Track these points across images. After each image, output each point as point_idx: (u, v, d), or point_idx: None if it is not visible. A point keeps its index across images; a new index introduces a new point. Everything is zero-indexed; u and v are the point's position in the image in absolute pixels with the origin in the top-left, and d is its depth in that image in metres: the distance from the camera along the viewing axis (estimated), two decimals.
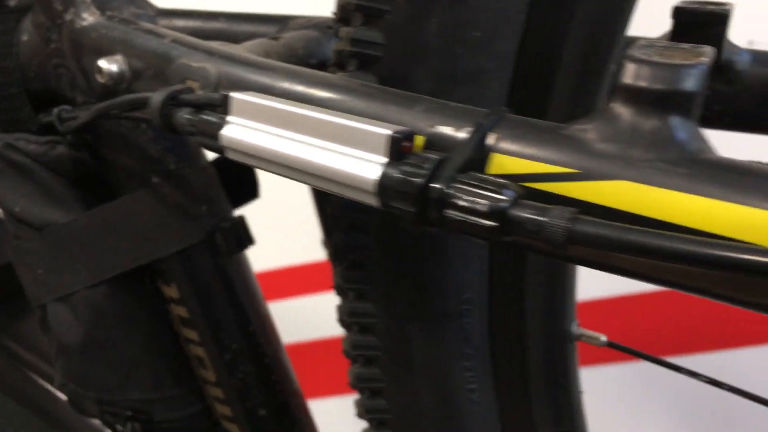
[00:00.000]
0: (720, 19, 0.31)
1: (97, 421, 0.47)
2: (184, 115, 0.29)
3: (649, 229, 0.19)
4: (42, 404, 0.51)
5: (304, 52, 0.37)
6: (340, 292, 0.35)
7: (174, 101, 0.30)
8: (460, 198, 0.21)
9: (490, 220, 0.20)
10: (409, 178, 0.21)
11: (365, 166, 0.23)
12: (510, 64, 0.28)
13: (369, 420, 0.37)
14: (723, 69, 0.33)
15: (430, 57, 0.27)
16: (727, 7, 0.31)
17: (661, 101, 0.20)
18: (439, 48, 0.27)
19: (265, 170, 0.27)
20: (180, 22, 0.41)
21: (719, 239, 0.18)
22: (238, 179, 0.46)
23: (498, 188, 0.21)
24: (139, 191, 0.41)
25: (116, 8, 0.39)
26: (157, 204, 0.41)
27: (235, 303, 0.44)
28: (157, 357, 0.44)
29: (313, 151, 0.24)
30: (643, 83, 0.20)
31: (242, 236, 0.43)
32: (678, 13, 0.32)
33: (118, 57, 0.35)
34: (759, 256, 0.17)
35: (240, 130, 0.26)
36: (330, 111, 0.25)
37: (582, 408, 0.37)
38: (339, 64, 0.29)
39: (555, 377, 0.35)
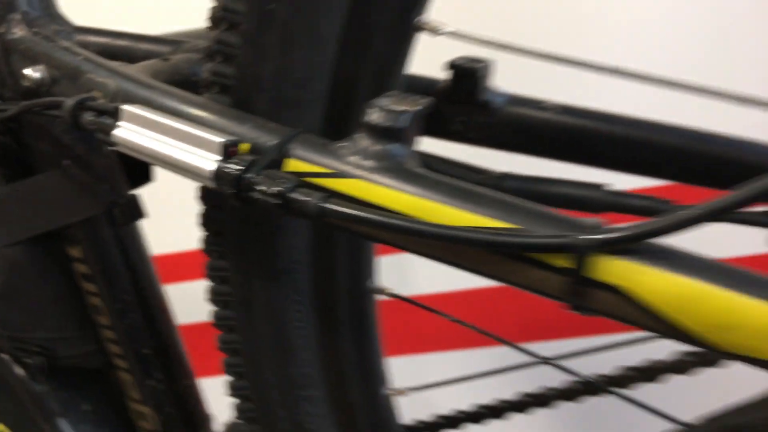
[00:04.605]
0: (479, 72, 0.45)
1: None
2: (88, 117, 0.41)
3: (366, 208, 0.32)
4: None
5: (188, 71, 0.49)
6: (206, 253, 0.47)
7: (82, 105, 0.42)
8: (260, 185, 0.34)
9: (277, 200, 0.33)
10: (231, 171, 0.34)
11: (207, 162, 0.35)
12: (325, 97, 0.41)
13: (225, 351, 0.50)
14: (484, 106, 0.47)
15: (266, 89, 0.40)
16: (483, 64, 0.46)
17: (384, 133, 0.34)
18: (272, 83, 0.40)
19: (145, 161, 0.39)
20: (92, 38, 0.52)
21: (404, 216, 0.32)
22: (135, 166, 0.57)
23: (284, 180, 0.33)
24: (53, 171, 0.51)
25: (41, 25, 0.50)
26: (67, 182, 0.52)
27: (128, 264, 0.55)
28: (60, 305, 0.54)
29: (174, 150, 0.37)
30: (375, 121, 0.34)
31: (134, 211, 0.54)
32: (451, 66, 0.46)
33: (41, 67, 0.46)
34: (420, 225, 0.31)
35: (125, 132, 0.38)
36: (189, 122, 0.37)
37: (380, 350, 0.50)
38: (207, 86, 0.42)
39: (358, 321, 0.48)
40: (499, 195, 0.31)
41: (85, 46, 0.51)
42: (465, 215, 0.30)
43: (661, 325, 0.28)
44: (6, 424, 0.58)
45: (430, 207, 0.31)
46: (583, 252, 0.28)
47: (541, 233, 0.29)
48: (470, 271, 0.31)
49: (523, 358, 0.52)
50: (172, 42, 0.52)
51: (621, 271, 0.28)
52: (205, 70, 0.41)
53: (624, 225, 0.28)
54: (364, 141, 0.34)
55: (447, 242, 0.30)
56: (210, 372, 0.60)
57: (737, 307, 0.26)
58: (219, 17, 0.39)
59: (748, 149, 0.43)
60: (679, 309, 0.27)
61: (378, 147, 0.34)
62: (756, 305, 0.26)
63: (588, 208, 0.46)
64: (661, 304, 0.28)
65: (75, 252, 0.54)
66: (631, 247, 0.28)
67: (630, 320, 0.29)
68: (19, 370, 0.57)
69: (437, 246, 0.32)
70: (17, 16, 0.49)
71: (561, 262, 0.29)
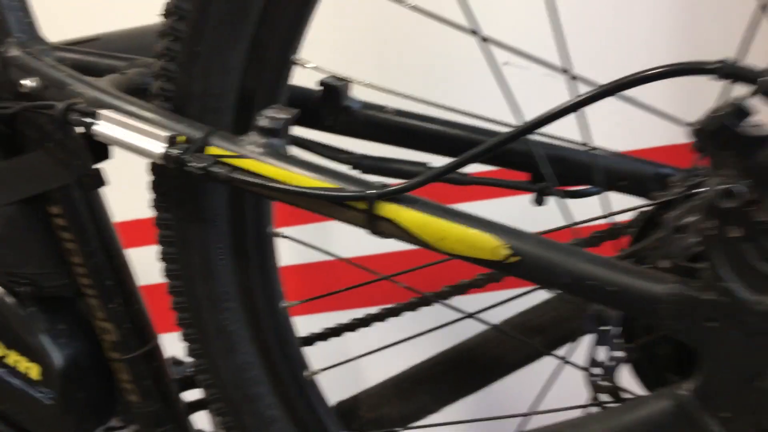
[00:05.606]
0: (339, 87, 0.68)
1: None
2: (73, 116, 0.61)
3: (257, 176, 0.54)
4: None
5: (140, 83, 0.69)
6: (155, 209, 0.68)
7: (70, 109, 0.62)
8: (192, 162, 0.55)
9: (202, 171, 0.55)
10: (173, 153, 0.56)
11: (158, 147, 0.57)
12: (233, 106, 0.63)
13: (169, 277, 0.71)
14: (345, 110, 0.70)
15: (196, 99, 0.61)
16: (345, 82, 0.68)
17: (268, 132, 0.56)
18: (200, 95, 0.61)
19: (113, 145, 0.59)
20: (66, 54, 0.72)
21: (278, 181, 0.55)
22: (98, 147, 0.77)
23: (206, 159, 0.55)
24: (38, 150, 0.71)
25: (29, 45, 0.69)
26: (49, 158, 0.71)
27: (95, 218, 0.75)
28: (43, 248, 0.74)
29: (136, 139, 0.58)
30: (262, 124, 0.56)
31: (97, 180, 0.74)
32: (322, 84, 0.68)
33: (35, 78, 0.65)
34: (287, 186, 0.54)
35: (102, 127, 0.59)
36: (144, 122, 0.58)
37: (278, 276, 0.73)
38: (155, 97, 0.63)
39: (262, 255, 0.71)
40: (330, 167, 0.54)
41: (61, 61, 0.71)
42: (312, 180, 0.53)
43: (417, 241, 0.52)
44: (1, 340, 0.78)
45: (292, 176, 0.54)
46: (371, 200, 0.51)
47: (351, 190, 0.52)
48: (316, 213, 0.54)
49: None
50: (127, 59, 0.72)
51: (392, 211, 0.52)
52: (154, 85, 0.62)
53: (395, 185, 0.52)
54: (255, 136, 0.57)
55: (301, 196, 0.53)
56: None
57: (445, 227, 0.50)
58: (162, 52, 0.60)
59: None
60: (421, 231, 0.51)
61: (264, 140, 0.56)
62: (454, 225, 0.50)
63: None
64: (413, 229, 0.51)
65: (55, 210, 0.74)
66: (397, 197, 0.52)
67: (403, 239, 0.53)
68: (9, 299, 0.77)
69: (297, 198, 0.54)
70: (12, 40, 0.68)
71: (362, 206, 0.52)
